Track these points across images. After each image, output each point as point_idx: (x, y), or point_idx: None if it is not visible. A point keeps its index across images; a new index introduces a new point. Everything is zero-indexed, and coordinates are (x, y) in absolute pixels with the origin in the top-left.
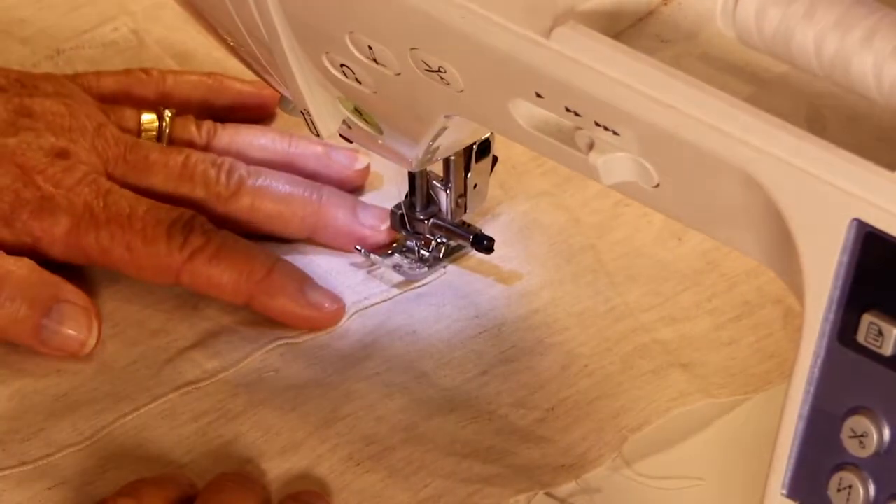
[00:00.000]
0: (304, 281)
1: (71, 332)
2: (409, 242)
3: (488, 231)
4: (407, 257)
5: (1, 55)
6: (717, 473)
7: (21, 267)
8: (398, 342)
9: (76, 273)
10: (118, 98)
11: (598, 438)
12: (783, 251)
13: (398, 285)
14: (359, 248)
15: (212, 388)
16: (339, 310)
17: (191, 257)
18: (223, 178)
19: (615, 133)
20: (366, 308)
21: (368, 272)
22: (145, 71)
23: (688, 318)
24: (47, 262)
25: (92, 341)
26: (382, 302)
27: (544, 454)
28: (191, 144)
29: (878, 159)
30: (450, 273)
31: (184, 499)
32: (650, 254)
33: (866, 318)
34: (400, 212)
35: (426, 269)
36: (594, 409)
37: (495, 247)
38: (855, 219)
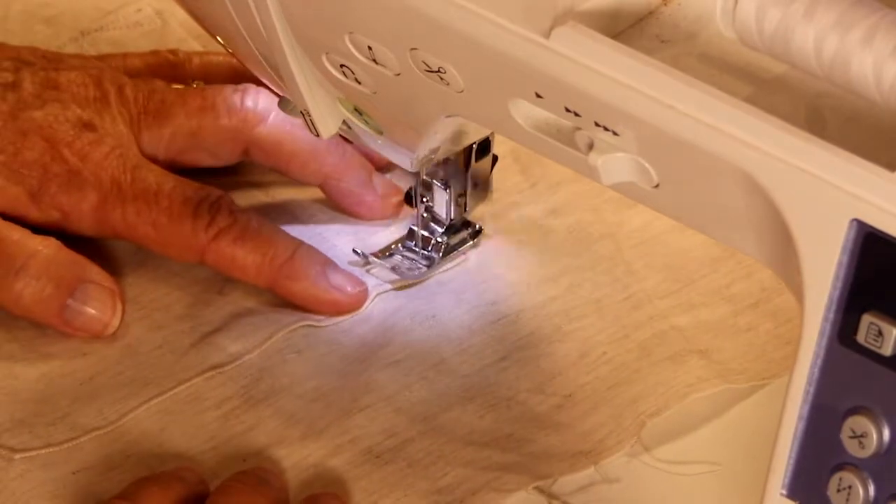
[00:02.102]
0: (326, 264)
1: (94, 312)
2: (408, 242)
3: (509, 217)
4: (406, 258)
5: (25, 37)
6: (735, 459)
7: (48, 247)
8: (418, 327)
9: (102, 255)
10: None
11: (616, 424)
12: (783, 251)
13: (398, 284)
14: (356, 250)
15: (235, 372)
16: (362, 293)
17: (216, 237)
18: (248, 102)
19: (615, 133)
20: (387, 291)
21: (367, 271)
22: (172, 52)
23: (705, 305)
24: (74, 239)
25: (115, 322)
26: (403, 288)
27: (563, 440)
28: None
29: (877, 159)
30: (470, 260)
31: (192, 497)
32: (668, 241)
33: (866, 319)
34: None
35: (425, 269)
36: (612, 396)
37: (515, 234)
38: (855, 219)
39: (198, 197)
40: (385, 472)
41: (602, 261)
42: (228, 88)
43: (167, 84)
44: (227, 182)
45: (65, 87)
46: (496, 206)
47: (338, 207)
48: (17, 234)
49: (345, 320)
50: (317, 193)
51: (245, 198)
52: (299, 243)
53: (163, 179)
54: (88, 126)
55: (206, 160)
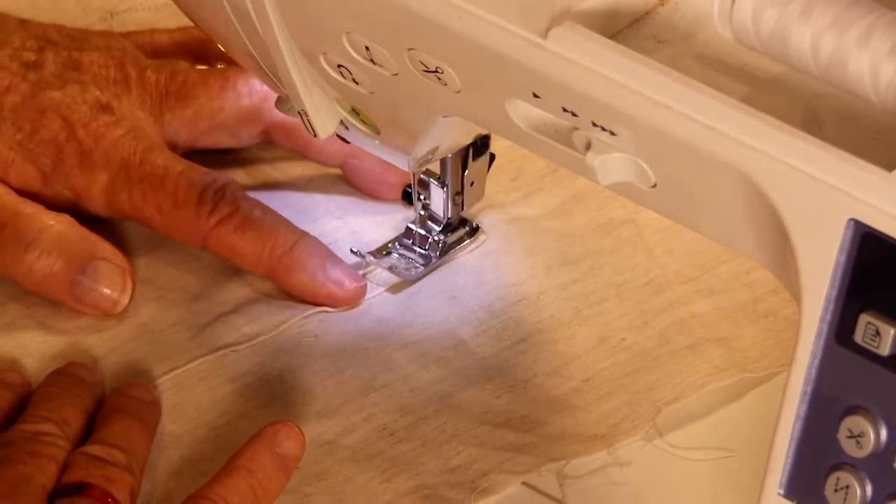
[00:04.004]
0: (326, 258)
1: (105, 289)
2: (405, 240)
3: (532, 203)
4: (403, 257)
5: (53, 13)
6: (749, 446)
7: (60, 222)
8: (438, 308)
9: (119, 236)
10: (171, 56)
11: (631, 410)
12: (780, 251)
13: (393, 287)
14: (354, 250)
15: (249, 350)
16: (360, 289)
17: (218, 225)
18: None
19: (612, 133)
20: (380, 294)
21: (364, 274)
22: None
23: (725, 291)
24: (93, 219)
25: (125, 300)
26: (416, 281)
27: (578, 423)
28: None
29: (874, 159)
30: (489, 241)
31: (17, 402)
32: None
33: (863, 318)
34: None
35: (422, 268)
36: (629, 383)
37: (536, 218)
38: (852, 219)
39: (203, 183)
40: (399, 450)
41: (623, 245)
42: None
43: (191, 65)
44: (247, 161)
45: (86, 68)
46: (519, 192)
47: (358, 188)
48: (30, 208)
49: (363, 302)
50: (337, 173)
51: (263, 179)
52: (301, 235)
53: (172, 164)
54: (106, 108)
55: (227, 141)
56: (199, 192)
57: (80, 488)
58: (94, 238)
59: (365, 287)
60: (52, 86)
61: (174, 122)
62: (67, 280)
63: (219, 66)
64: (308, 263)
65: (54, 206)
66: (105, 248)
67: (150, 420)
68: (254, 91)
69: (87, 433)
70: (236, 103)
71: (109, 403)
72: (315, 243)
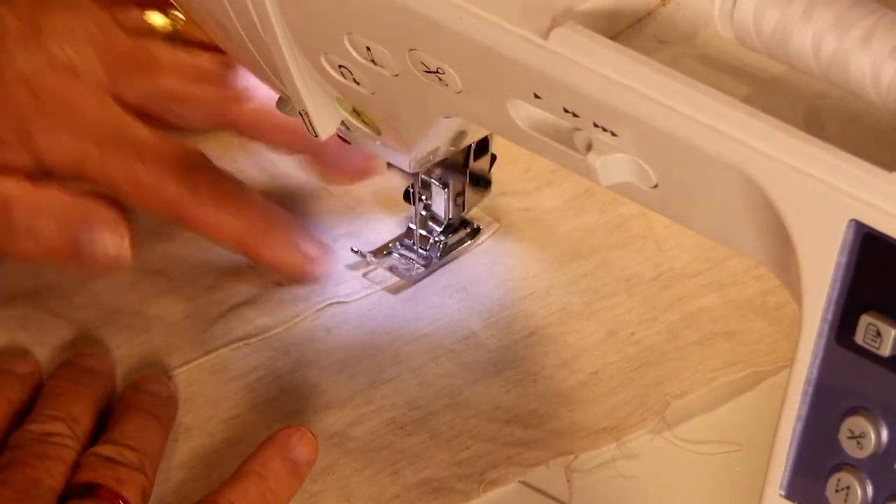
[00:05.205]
0: (296, 230)
1: (106, 239)
2: (406, 241)
3: (543, 195)
4: (404, 257)
5: None
6: (756, 440)
7: (47, 192)
8: (448, 299)
9: (132, 227)
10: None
11: (640, 403)
12: (781, 252)
13: (391, 286)
14: (354, 248)
15: (262, 344)
16: (328, 258)
17: (190, 197)
18: (238, 79)
19: (613, 134)
20: (377, 292)
21: (364, 275)
22: None
23: (735, 284)
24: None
25: (127, 244)
26: (417, 282)
27: (586, 417)
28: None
29: (875, 160)
30: (501, 233)
31: (27, 394)
32: None
33: (864, 319)
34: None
35: (423, 269)
36: (638, 377)
37: (547, 211)
38: (853, 219)
39: (177, 155)
40: (407, 443)
41: (634, 239)
42: (223, 60)
43: (162, 38)
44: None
45: (49, 31)
46: (530, 184)
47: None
48: (11, 183)
49: (373, 294)
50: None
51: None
52: (274, 210)
53: (145, 134)
54: (71, 71)
55: (193, 122)
56: (173, 165)
57: (90, 490)
58: (79, 198)
59: (332, 256)
60: (13, 50)
61: (132, 91)
62: (65, 240)
63: (180, 15)
64: (280, 238)
65: (27, 171)
66: (93, 204)
67: (165, 416)
68: (224, 83)
69: (101, 425)
70: (205, 93)
71: (124, 400)
72: (287, 218)
